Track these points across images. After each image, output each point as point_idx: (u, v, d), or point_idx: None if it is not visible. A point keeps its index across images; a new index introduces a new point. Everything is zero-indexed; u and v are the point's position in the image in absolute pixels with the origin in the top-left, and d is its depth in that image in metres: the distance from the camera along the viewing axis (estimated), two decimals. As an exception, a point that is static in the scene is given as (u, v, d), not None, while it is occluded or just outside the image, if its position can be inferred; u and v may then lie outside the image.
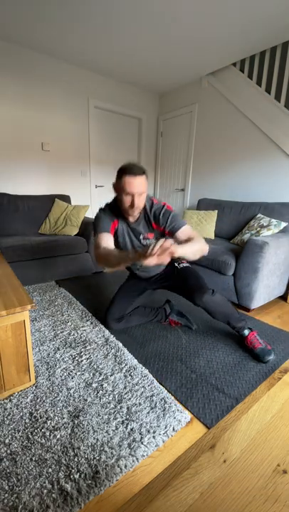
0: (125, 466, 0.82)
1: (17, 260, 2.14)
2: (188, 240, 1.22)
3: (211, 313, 1.43)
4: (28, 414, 0.99)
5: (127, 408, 1.04)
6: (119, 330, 1.60)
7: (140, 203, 1.26)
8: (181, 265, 1.54)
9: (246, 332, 1.43)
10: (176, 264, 1.54)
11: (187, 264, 1.55)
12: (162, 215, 1.32)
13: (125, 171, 1.20)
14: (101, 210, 1.40)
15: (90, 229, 2.53)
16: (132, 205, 1.24)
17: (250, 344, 1.40)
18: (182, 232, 1.28)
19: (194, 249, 1.15)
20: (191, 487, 0.78)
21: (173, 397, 1.11)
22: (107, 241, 1.30)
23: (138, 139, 3.69)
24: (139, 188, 1.21)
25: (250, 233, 2.16)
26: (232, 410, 1.06)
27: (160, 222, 1.33)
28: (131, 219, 1.37)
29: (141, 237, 1.41)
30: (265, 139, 2.54)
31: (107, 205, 1.42)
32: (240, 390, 1.17)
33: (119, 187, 1.25)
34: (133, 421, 0.98)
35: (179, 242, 1.24)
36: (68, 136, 3.04)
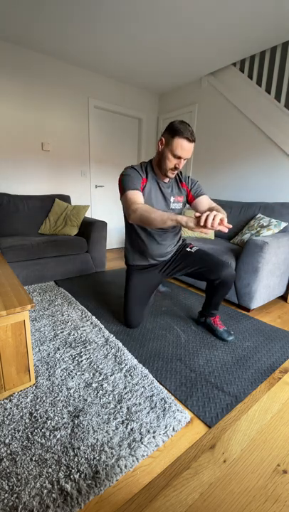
0: (125, 466, 0.82)
1: (17, 260, 2.14)
2: (211, 209, 1.24)
3: (223, 286, 1.46)
4: (28, 414, 0.99)
5: (127, 408, 1.04)
6: (116, 331, 1.61)
7: (182, 167, 1.28)
8: (194, 248, 1.57)
9: (216, 313, 1.61)
10: (188, 249, 1.56)
11: (198, 247, 1.59)
12: (189, 179, 1.42)
13: (180, 133, 1.16)
14: (129, 167, 1.33)
15: (90, 229, 2.53)
16: (176, 168, 1.24)
17: (217, 324, 1.57)
18: (204, 198, 1.38)
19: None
20: (191, 487, 0.78)
21: (173, 397, 1.11)
22: (140, 199, 1.23)
23: (138, 139, 3.68)
24: (189, 154, 1.21)
25: (250, 233, 2.16)
26: (232, 410, 1.06)
27: (188, 183, 1.41)
28: (165, 180, 1.35)
29: (171, 199, 1.40)
30: (265, 139, 2.54)
31: (136, 165, 1.39)
32: (239, 388, 1.17)
33: (167, 146, 1.21)
34: (133, 421, 0.98)
35: (200, 209, 1.35)
36: (68, 136, 3.04)
